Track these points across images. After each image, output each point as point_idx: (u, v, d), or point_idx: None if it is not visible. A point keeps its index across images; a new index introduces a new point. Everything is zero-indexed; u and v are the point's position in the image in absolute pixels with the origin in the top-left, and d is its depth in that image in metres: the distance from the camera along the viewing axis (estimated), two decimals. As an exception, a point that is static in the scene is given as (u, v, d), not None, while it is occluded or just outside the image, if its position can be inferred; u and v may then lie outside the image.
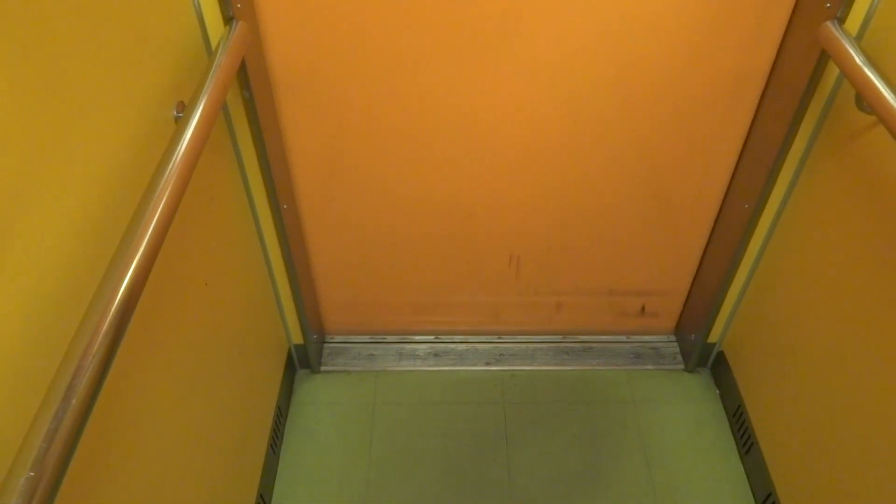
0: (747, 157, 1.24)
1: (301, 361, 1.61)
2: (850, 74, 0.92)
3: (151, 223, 0.66)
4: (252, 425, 1.29)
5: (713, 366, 1.61)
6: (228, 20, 0.98)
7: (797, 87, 1.07)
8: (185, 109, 0.87)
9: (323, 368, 1.62)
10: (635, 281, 1.54)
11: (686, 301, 1.60)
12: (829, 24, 0.98)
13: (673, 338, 1.69)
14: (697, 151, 1.26)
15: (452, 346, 1.67)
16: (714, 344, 1.57)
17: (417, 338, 1.68)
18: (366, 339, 1.68)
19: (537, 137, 1.23)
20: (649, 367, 1.63)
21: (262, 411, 1.37)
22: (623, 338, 1.69)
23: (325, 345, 1.67)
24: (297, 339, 1.55)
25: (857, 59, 0.91)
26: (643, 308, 1.61)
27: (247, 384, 1.25)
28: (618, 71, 1.13)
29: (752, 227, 1.28)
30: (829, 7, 0.98)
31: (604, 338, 1.69)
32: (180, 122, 0.80)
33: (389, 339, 1.68)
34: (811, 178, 1.17)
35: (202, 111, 0.80)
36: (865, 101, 0.89)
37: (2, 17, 0.54)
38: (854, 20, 0.99)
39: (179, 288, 0.93)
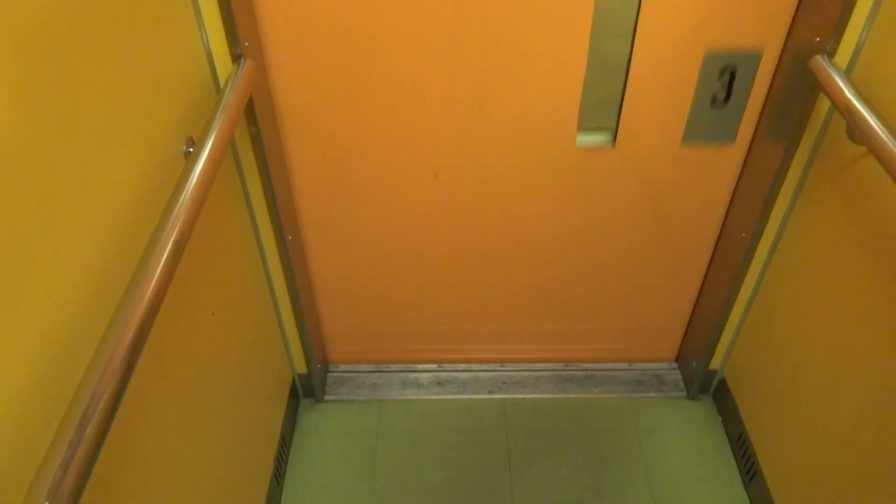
0: (744, 186, 1.27)
1: (305, 391, 1.62)
2: (840, 106, 0.94)
3: (163, 256, 0.68)
4: (256, 455, 1.29)
5: (715, 393, 1.62)
6: (236, 58, 1.01)
7: (790, 117, 1.09)
8: (194, 144, 0.90)
9: (327, 398, 1.63)
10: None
11: (687, 328, 1.61)
12: (819, 57, 1.01)
13: (675, 365, 1.70)
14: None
15: (455, 374, 1.68)
16: (716, 371, 1.58)
17: (420, 367, 1.69)
18: (369, 368, 1.69)
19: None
20: (652, 394, 1.64)
21: (266, 441, 1.37)
22: (625, 365, 1.70)
23: (329, 374, 1.68)
24: (301, 368, 1.56)
25: (847, 92, 0.93)
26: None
27: (251, 414, 1.26)
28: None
29: (750, 256, 1.30)
30: (818, 41, 1.01)
31: (606, 365, 1.70)
32: (190, 157, 0.82)
33: (393, 367, 1.69)
34: (807, 206, 1.19)
35: (211, 146, 0.83)
36: (855, 132, 0.91)
37: (24, 59, 0.57)
38: (843, 54, 1.02)
39: (187, 319, 0.94)
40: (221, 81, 1.03)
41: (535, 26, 1.06)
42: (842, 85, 0.95)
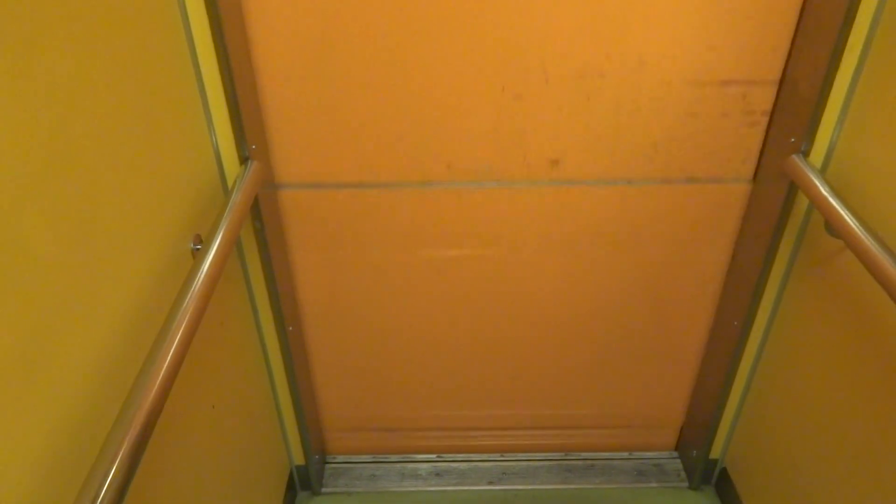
0: (733, 276, 1.30)
1: (302, 483, 1.60)
2: (817, 203, 0.99)
3: (169, 353, 0.70)
4: (252, 551, 1.27)
5: (717, 483, 1.60)
6: (244, 160, 1.07)
7: (772, 213, 1.14)
8: (202, 242, 0.94)
9: (324, 490, 1.61)
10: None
11: (686, 416, 1.61)
12: (795, 157, 1.07)
13: (675, 454, 1.68)
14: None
15: (454, 465, 1.66)
16: (717, 460, 1.57)
17: (419, 457, 1.68)
18: (367, 458, 1.67)
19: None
20: (653, 484, 1.62)
21: (262, 536, 1.35)
22: (625, 454, 1.68)
23: (327, 465, 1.66)
24: (299, 459, 1.55)
25: (822, 190, 0.98)
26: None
27: (248, 508, 1.24)
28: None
29: (743, 344, 1.32)
30: (793, 142, 1.07)
31: (606, 455, 1.68)
32: (198, 255, 0.86)
33: (391, 458, 1.68)
34: (794, 296, 1.22)
35: (218, 245, 0.87)
36: (833, 227, 0.96)
37: (41, 161, 0.61)
38: (817, 153, 1.08)
39: (188, 412, 0.96)
40: (229, 182, 1.09)
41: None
42: (817, 183, 1.00)
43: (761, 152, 1.15)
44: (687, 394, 1.56)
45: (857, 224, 0.91)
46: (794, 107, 1.06)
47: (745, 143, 1.15)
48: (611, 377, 1.51)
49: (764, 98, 1.10)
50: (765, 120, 1.12)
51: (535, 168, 1.17)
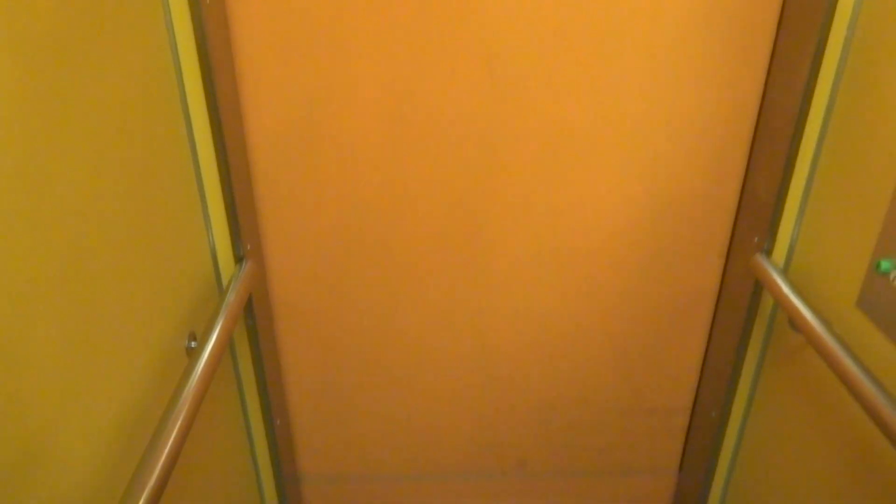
0: (708, 368, 1.35)
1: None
2: (779, 300, 1.05)
3: (163, 453, 0.73)
4: None
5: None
6: (239, 260, 1.12)
7: (741, 308, 1.20)
8: (197, 340, 0.98)
9: (308, 588, 1.58)
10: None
11: (675, 496, 1.61)
12: (758, 256, 1.14)
13: (663, 547, 1.67)
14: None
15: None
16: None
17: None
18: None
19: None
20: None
21: None
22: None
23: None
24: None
25: (784, 288, 1.05)
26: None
27: None
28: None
29: (722, 434, 1.35)
30: (756, 241, 1.14)
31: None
32: (193, 354, 0.90)
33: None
34: (766, 389, 1.26)
35: (213, 345, 0.91)
36: (795, 324, 1.01)
37: (57, 279, 0.66)
38: (779, 253, 1.15)
39: (176, 509, 0.96)
40: (224, 281, 1.13)
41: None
42: (778, 280, 1.06)
43: (728, 250, 1.22)
44: (673, 480, 1.57)
45: (816, 320, 0.97)
46: (756, 209, 1.14)
47: (669, 448, 1.48)
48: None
49: (682, 419, 1.44)
50: (683, 434, 1.46)
51: (507, 467, 1.51)
